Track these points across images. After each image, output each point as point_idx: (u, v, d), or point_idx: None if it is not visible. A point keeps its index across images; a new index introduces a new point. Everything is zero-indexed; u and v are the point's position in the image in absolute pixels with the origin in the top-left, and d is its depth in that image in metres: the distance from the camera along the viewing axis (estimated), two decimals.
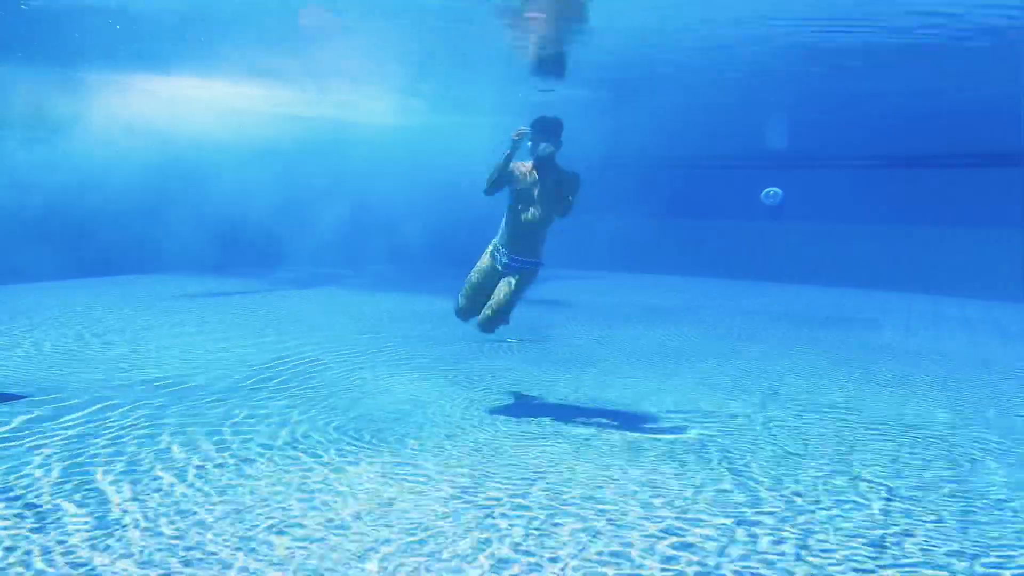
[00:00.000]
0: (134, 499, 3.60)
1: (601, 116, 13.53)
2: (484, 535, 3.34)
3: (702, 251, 15.09)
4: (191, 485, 3.80)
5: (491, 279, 5.31)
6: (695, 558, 3.18)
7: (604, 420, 5.16)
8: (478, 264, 5.38)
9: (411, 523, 3.44)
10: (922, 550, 3.32)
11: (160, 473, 3.94)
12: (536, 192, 5.15)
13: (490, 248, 5.36)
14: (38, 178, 10.73)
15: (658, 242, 15.19)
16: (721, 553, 3.22)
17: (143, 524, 3.33)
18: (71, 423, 4.69)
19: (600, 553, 3.19)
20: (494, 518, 3.52)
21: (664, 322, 9.45)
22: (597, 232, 15.39)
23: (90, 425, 4.68)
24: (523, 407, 5.44)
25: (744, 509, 3.71)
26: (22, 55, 10.07)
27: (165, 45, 9.60)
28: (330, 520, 3.45)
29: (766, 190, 14.56)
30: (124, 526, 3.31)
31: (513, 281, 5.23)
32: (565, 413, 5.31)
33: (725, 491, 3.93)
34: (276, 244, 14.41)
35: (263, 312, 9.38)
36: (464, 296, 5.38)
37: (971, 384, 6.48)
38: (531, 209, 5.17)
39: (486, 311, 5.26)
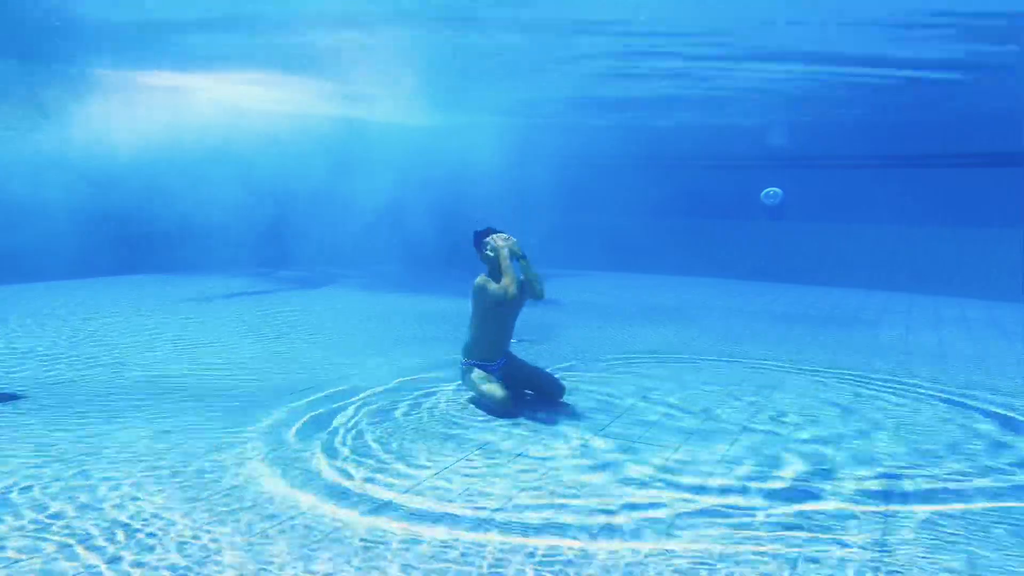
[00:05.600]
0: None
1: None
2: (478, 537, 3.37)
3: (702, 251, 15.10)
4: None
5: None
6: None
7: (602, 420, 5.18)
8: (480, 377, 5.39)
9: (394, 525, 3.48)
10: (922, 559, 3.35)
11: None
12: (514, 304, 5.46)
13: (471, 370, 5.44)
14: (51, 175, 10.68)
15: (658, 242, 15.19)
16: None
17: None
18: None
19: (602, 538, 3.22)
20: (491, 522, 3.55)
21: (664, 322, 9.47)
22: (597, 232, 15.41)
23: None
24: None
25: (745, 506, 3.75)
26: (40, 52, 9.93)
27: (196, 44, 9.45)
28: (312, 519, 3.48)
29: (766, 190, 14.57)
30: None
31: (518, 364, 5.64)
32: (563, 413, 5.33)
33: (727, 492, 3.96)
34: (282, 244, 14.38)
35: (274, 314, 9.42)
36: (502, 400, 5.23)
37: (970, 383, 6.50)
38: (509, 320, 5.55)
39: (559, 389, 5.62)
